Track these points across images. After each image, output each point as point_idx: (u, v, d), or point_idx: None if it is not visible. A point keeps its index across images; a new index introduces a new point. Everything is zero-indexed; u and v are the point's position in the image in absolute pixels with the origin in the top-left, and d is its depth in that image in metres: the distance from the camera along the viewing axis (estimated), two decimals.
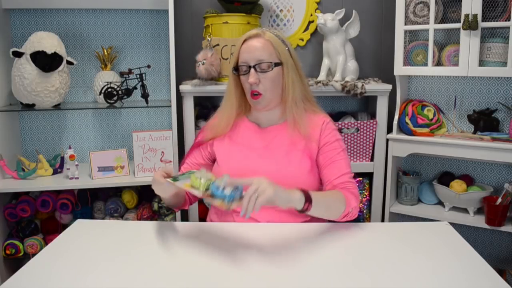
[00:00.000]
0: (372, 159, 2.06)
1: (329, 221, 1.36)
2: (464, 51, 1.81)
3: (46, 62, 1.90)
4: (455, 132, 2.04)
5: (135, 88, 2.06)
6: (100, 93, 2.03)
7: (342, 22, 2.06)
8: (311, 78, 2.09)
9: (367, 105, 2.27)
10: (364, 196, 2.11)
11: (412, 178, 2.11)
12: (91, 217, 2.15)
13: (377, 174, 2.06)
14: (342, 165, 1.38)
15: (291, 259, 1.09)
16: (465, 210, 2.01)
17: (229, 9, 2.01)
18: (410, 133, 2.01)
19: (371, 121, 2.02)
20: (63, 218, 2.13)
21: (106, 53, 2.16)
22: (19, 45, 1.99)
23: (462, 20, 1.78)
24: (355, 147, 2.04)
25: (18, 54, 1.91)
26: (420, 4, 1.91)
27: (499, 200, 1.87)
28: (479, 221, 1.93)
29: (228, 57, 1.95)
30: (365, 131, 2.02)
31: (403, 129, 2.06)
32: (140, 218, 2.10)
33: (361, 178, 2.11)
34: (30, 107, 2.00)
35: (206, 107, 2.18)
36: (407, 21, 1.95)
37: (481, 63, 1.83)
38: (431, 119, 2.02)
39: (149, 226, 1.32)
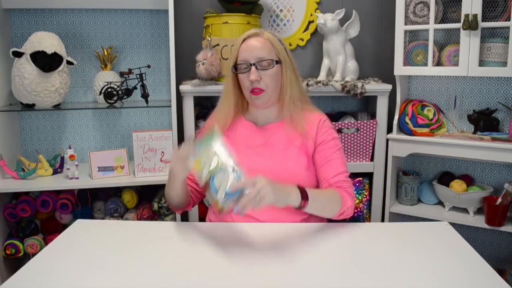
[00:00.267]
0: (372, 159, 2.06)
1: (328, 220, 1.36)
2: (464, 51, 1.81)
3: (46, 62, 1.90)
4: (455, 132, 2.04)
5: (135, 88, 2.06)
6: (100, 93, 2.03)
7: (342, 22, 2.06)
8: (311, 78, 2.09)
9: (367, 105, 2.27)
10: (364, 196, 2.11)
11: (412, 178, 2.11)
12: (91, 217, 2.15)
13: (377, 174, 2.06)
14: (338, 164, 1.39)
15: (291, 259, 1.09)
16: (465, 210, 2.01)
17: (229, 9, 2.01)
18: (410, 133, 2.01)
19: (371, 121, 2.02)
20: (63, 218, 2.13)
21: (106, 53, 2.16)
22: (19, 45, 1.99)
23: (462, 20, 1.78)
24: (355, 147, 2.04)
25: (18, 54, 1.91)
26: (420, 4, 1.91)
27: (499, 200, 1.87)
28: (479, 221, 1.92)
29: (228, 57, 1.95)
30: (365, 131, 2.02)
31: (403, 129, 2.06)
32: (140, 218, 2.10)
33: (361, 178, 2.11)
34: (30, 107, 2.00)
35: (206, 107, 2.18)
36: (407, 21, 1.95)
37: (481, 63, 1.83)
38: (431, 119, 2.02)
39: (149, 226, 1.32)
